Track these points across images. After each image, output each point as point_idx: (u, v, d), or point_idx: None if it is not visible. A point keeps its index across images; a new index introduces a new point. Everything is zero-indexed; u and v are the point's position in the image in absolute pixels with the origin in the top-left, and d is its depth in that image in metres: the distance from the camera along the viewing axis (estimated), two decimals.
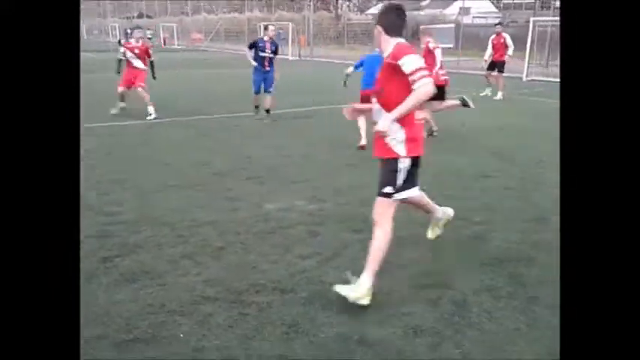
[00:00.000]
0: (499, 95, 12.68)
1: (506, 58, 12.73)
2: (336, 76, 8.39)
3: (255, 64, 9.17)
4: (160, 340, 2.63)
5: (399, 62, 2.82)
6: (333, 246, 3.85)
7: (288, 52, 28.28)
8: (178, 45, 42.37)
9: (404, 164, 2.99)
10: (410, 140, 2.97)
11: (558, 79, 15.32)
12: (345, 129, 8.29)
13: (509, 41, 12.69)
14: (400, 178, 3.00)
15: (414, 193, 3.17)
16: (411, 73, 2.79)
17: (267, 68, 9.23)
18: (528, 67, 17.87)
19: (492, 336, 2.69)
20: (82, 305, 2.88)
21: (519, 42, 20.51)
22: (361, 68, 7.28)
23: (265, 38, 9.26)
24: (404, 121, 2.92)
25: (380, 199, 3.04)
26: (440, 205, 3.71)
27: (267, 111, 9.40)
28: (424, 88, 2.78)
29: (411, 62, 2.81)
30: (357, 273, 3.41)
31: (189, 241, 3.88)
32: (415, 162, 3.07)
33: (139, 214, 4.42)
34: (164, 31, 46.45)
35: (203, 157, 6.59)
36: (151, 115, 9.18)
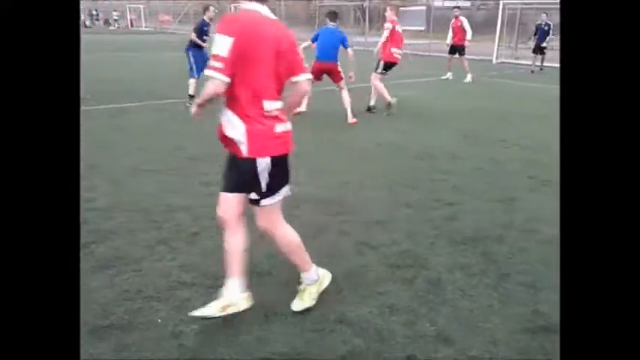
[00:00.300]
0: (468, 78, 12.86)
1: (465, 42, 12.93)
2: (308, 58, 8.40)
3: (205, 45, 8.90)
4: (137, 326, 2.62)
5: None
6: (310, 229, 3.88)
7: None
8: (146, 27, 41.33)
9: (262, 165, 2.39)
10: (253, 137, 2.35)
11: (527, 62, 15.59)
12: (320, 110, 8.29)
13: (466, 25, 12.88)
14: (263, 181, 2.41)
15: (282, 195, 2.55)
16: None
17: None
18: (498, 49, 18.12)
19: (466, 313, 2.77)
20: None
21: (490, 25, 20.76)
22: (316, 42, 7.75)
23: (207, 20, 9.03)
24: (243, 112, 2.35)
25: (256, 209, 2.54)
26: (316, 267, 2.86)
27: (192, 96, 8.81)
28: (209, 83, 2.27)
29: (214, 43, 2.24)
30: (335, 256, 3.47)
31: (164, 227, 3.85)
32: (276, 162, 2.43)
33: (113, 199, 4.35)
34: (131, 12, 45.23)
35: (177, 142, 6.50)
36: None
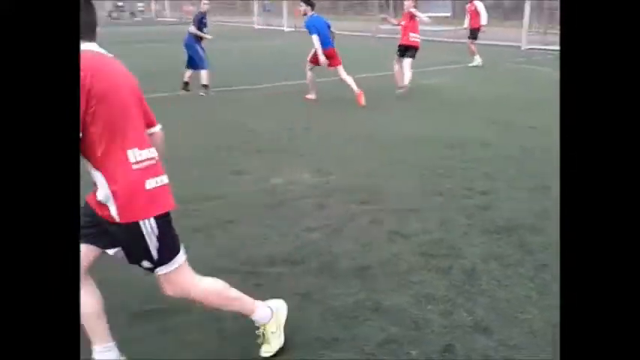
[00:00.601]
0: (476, 61, 12.74)
1: (482, 27, 12.81)
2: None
3: (210, 37, 9.21)
4: (179, 310, 2.68)
5: None
6: (340, 218, 3.90)
7: (284, 24, 27.84)
8: (171, 18, 41.63)
9: (148, 227, 1.94)
10: (126, 197, 1.89)
11: (556, 47, 15.25)
12: (344, 99, 8.27)
13: (480, 8, 12.76)
14: (154, 245, 1.97)
15: (183, 257, 2.17)
16: None
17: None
18: (526, 35, 17.73)
19: (504, 303, 2.76)
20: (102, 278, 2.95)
21: (518, 11, 20.30)
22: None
23: (203, 12, 9.25)
24: (105, 169, 1.88)
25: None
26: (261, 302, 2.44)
27: (205, 86, 9.15)
28: None
29: None
30: (367, 244, 3.48)
31: (199, 215, 3.91)
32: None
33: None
34: (156, 3, 45.59)
35: (206, 132, 6.58)
36: None
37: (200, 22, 9.11)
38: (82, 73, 1.72)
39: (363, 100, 8.12)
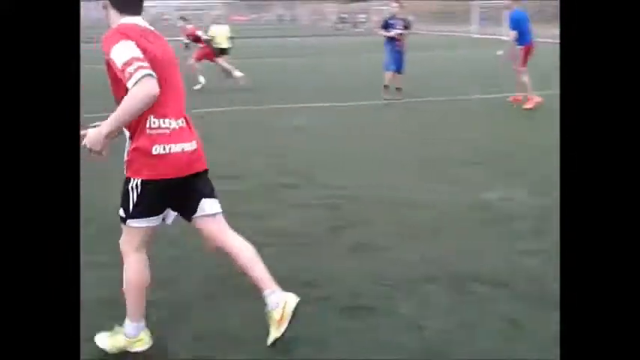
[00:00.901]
0: None
1: None
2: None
3: (390, 34, 9.37)
4: (381, 311, 2.74)
5: (109, 57, 2.05)
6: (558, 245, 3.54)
7: (502, 33, 26.41)
8: None
9: (134, 184, 2.17)
10: (136, 156, 2.15)
11: None
12: None
13: None
14: (131, 201, 2.19)
15: (153, 223, 2.28)
16: (122, 70, 1.98)
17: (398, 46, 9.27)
18: None
19: None
20: (308, 268, 3.20)
21: None
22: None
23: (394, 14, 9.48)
24: (134, 129, 2.14)
25: (122, 225, 2.31)
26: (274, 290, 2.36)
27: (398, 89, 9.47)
28: (140, 88, 1.95)
29: (117, 55, 1.99)
30: None
31: (408, 220, 3.97)
32: (162, 185, 2.17)
33: (361, 191, 4.64)
34: (375, 14, 47.66)
35: (418, 138, 6.67)
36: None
37: (387, 24, 9.44)
38: (134, 37, 2.04)
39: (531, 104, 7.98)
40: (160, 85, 2.02)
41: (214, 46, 11.57)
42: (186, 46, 12.21)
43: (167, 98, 2.12)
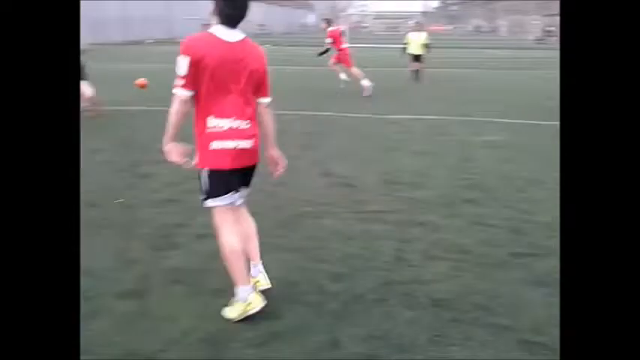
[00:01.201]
0: None
1: None
2: None
3: None
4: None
5: None
6: None
7: None
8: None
9: (202, 173, 2.64)
10: (200, 150, 2.61)
11: None
12: None
13: None
14: (203, 186, 2.66)
15: (225, 201, 2.66)
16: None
17: None
18: None
19: None
20: (483, 291, 3.00)
21: None
22: None
23: None
24: (198, 129, 2.61)
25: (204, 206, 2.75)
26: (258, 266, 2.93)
27: None
28: (173, 104, 2.50)
29: (177, 69, 2.47)
30: None
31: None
32: (221, 174, 2.59)
33: (554, 216, 4.19)
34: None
35: None
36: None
37: None
38: (192, 51, 2.43)
39: None
40: (219, 91, 2.49)
41: (408, 52, 11.49)
42: (326, 51, 11.73)
43: (224, 102, 2.52)
